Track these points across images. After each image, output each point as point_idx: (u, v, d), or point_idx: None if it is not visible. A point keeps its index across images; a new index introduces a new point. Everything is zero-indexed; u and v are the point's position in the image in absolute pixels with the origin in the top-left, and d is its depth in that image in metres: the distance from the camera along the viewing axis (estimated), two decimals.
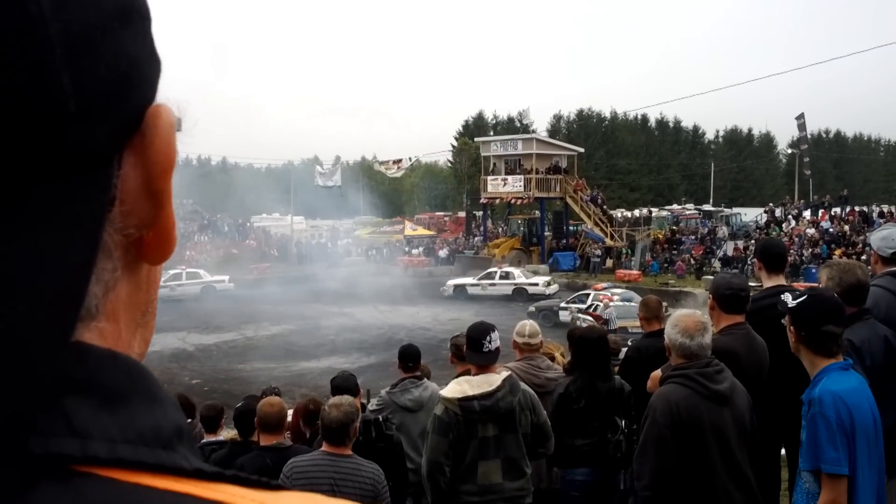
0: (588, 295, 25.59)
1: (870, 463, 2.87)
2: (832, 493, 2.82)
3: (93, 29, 0.37)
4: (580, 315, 23.39)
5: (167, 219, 0.45)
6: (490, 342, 3.91)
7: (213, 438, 5.38)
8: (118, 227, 0.41)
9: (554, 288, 30.46)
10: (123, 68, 0.39)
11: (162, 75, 0.43)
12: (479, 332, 3.96)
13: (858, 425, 2.84)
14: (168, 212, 0.45)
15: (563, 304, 26.08)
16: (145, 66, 0.41)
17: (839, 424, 2.81)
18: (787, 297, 3.55)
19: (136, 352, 0.45)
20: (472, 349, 3.96)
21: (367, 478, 3.69)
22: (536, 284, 30.73)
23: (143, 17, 0.42)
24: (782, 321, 3.14)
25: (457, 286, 32.78)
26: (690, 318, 3.46)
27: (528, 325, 5.10)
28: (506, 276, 31.87)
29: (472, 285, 32.37)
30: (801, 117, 44.97)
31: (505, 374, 3.92)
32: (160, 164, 0.43)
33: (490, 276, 32.38)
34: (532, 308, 26.18)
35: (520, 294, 30.62)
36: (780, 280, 4.24)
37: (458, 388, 3.80)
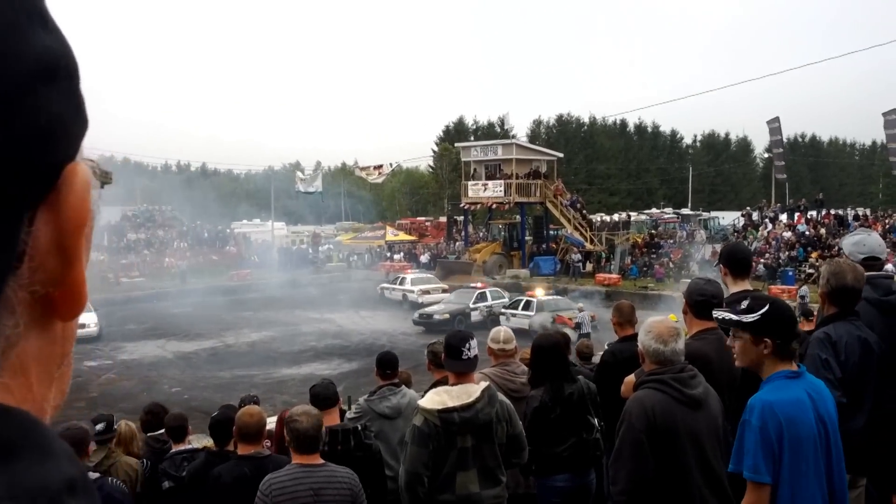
0: (484, 294, 27.44)
1: (809, 474, 2.88)
2: (751, 498, 2.91)
3: (11, 86, 0.38)
4: (506, 311, 25.11)
5: (77, 276, 0.44)
6: (469, 349, 3.91)
7: (181, 448, 5.37)
8: (24, 283, 0.41)
9: (433, 297, 30.37)
10: (42, 126, 0.39)
11: (87, 133, 0.43)
12: (458, 340, 3.96)
13: (790, 436, 2.86)
14: (78, 269, 0.44)
15: (471, 305, 27.00)
16: (69, 124, 0.42)
17: (764, 434, 2.85)
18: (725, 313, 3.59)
19: (52, 404, 0.45)
20: (451, 356, 3.95)
21: (345, 483, 3.69)
22: (413, 292, 31.70)
23: (70, 76, 0.42)
24: (738, 334, 3.18)
25: (382, 289, 34.60)
26: (663, 324, 3.49)
27: (503, 331, 5.12)
28: (401, 281, 33.30)
29: (385, 288, 34.31)
30: (774, 121, 45.43)
31: (483, 384, 3.91)
32: (72, 222, 0.42)
33: (394, 281, 34.21)
34: (416, 315, 26.98)
35: (405, 300, 31.86)
36: (746, 285, 4.24)
37: (438, 398, 3.79)
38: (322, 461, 3.76)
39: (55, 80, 0.40)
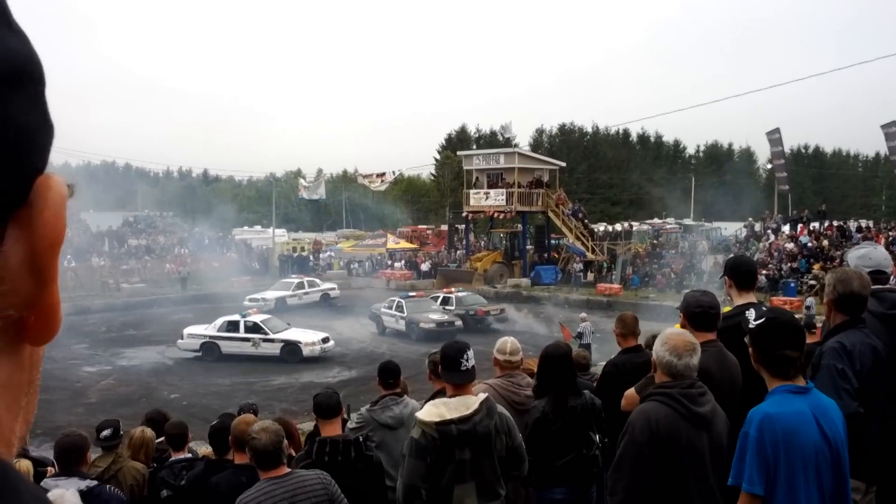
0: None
1: (806, 489, 2.85)
2: None
3: None
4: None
5: (52, 297, 0.41)
6: (467, 360, 3.86)
7: (180, 456, 5.34)
8: None
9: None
10: (11, 136, 0.37)
11: (54, 142, 0.41)
12: (455, 351, 3.90)
13: (788, 450, 2.82)
14: (53, 289, 0.41)
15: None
16: (36, 134, 0.39)
17: (760, 445, 2.82)
18: (751, 314, 3.54)
19: (18, 435, 0.43)
20: (449, 368, 3.88)
21: (316, 485, 3.67)
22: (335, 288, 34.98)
23: (36, 82, 0.39)
24: (745, 340, 3.17)
25: (278, 299, 33.20)
26: (680, 337, 3.42)
27: (510, 342, 5.04)
28: (312, 284, 34.53)
29: (291, 296, 33.68)
30: (774, 132, 45.40)
31: (482, 396, 3.86)
32: (48, 239, 0.39)
33: (301, 286, 34.41)
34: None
35: (325, 299, 33.40)
36: (751, 297, 4.21)
37: (436, 410, 3.74)
38: (288, 470, 3.74)
39: (22, 86, 0.38)
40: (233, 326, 22.66)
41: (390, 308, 27.21)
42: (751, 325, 3.07)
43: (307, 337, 22.63)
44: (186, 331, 23.29)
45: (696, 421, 3.25)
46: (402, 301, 26.91)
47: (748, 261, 4.81)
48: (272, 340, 22.29)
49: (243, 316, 23.17)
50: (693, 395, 3.28)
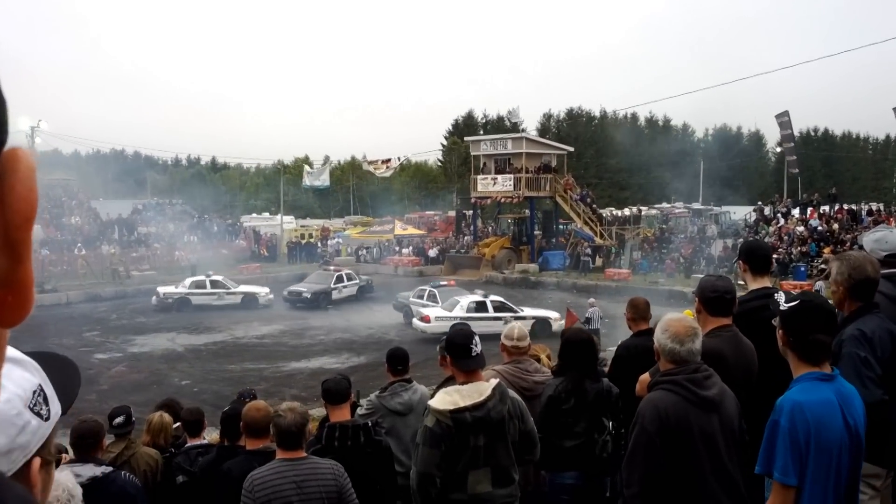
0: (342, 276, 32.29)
1: (826, 478, 2.81)
2: (777, 500, 2.85)
3: None
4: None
5: (26, 274, 0.39)
6: (476, 345, 3.84)
7: (197, 442, 5.38)
8: None
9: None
10: None
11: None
12: (464, 337, 3.87)
13: (817, 439, 2.79)
14: (27, 266, 0.39)
15: (332, 286, 31.23)
16: None
17: (793, 435, 2.78)
18: (781, 298, 3.49)
19: None
20: (460, 356, 3.84)
21: (328, 475, 3.70)
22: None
23: None
24: (773, 322, 3.13)
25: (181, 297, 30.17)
26: (681, 322, 3.38)
27: (517, 328, 5.06)
28: (214, 284, 30.85)
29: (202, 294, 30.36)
30: (783, 115, 45.03)
31: (494, 381, 3.85)
32: (22, 213, 0.38)
33: (200, 284, 30.60)
34: (285, 292, 30.73)
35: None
36: (766, 282, 4.19)
37: (449, 398, 3.71)
38: (304, 455, 3.77)
39: None
40: (481, 307, 23.42)
41: (421, 297, 25.98)
42: (782, 308, 3.01)
43: (551, 314, 24.08)
44: (433, 314, 23.34)
45: (704, 405, 3.23)
46: (435, 291, 26.01)
47: (763, 245, 4.79)
48: (524, 318, 22.72)
49: (485, 296, 24.12)
50: (699, 380, 3.26)
